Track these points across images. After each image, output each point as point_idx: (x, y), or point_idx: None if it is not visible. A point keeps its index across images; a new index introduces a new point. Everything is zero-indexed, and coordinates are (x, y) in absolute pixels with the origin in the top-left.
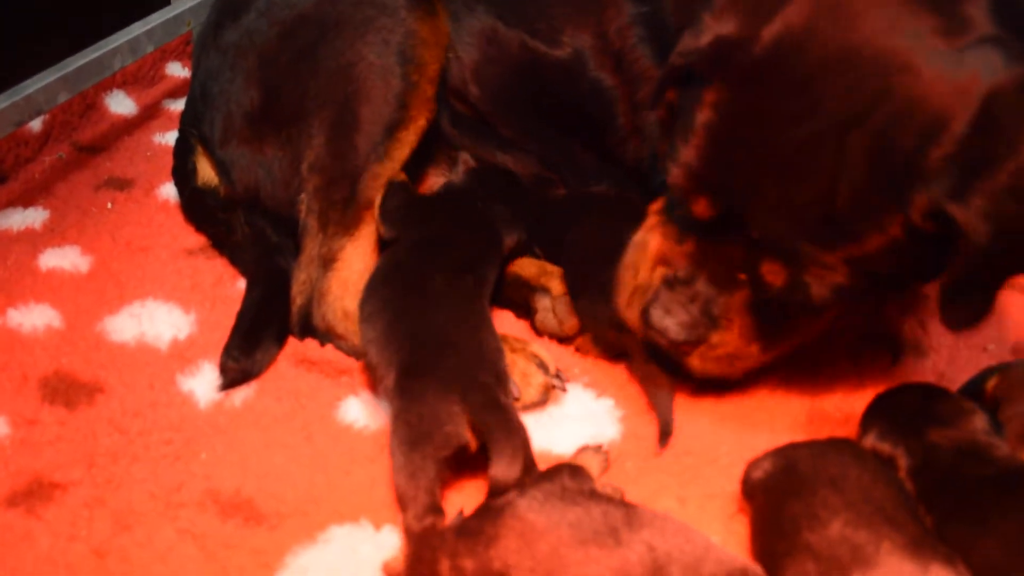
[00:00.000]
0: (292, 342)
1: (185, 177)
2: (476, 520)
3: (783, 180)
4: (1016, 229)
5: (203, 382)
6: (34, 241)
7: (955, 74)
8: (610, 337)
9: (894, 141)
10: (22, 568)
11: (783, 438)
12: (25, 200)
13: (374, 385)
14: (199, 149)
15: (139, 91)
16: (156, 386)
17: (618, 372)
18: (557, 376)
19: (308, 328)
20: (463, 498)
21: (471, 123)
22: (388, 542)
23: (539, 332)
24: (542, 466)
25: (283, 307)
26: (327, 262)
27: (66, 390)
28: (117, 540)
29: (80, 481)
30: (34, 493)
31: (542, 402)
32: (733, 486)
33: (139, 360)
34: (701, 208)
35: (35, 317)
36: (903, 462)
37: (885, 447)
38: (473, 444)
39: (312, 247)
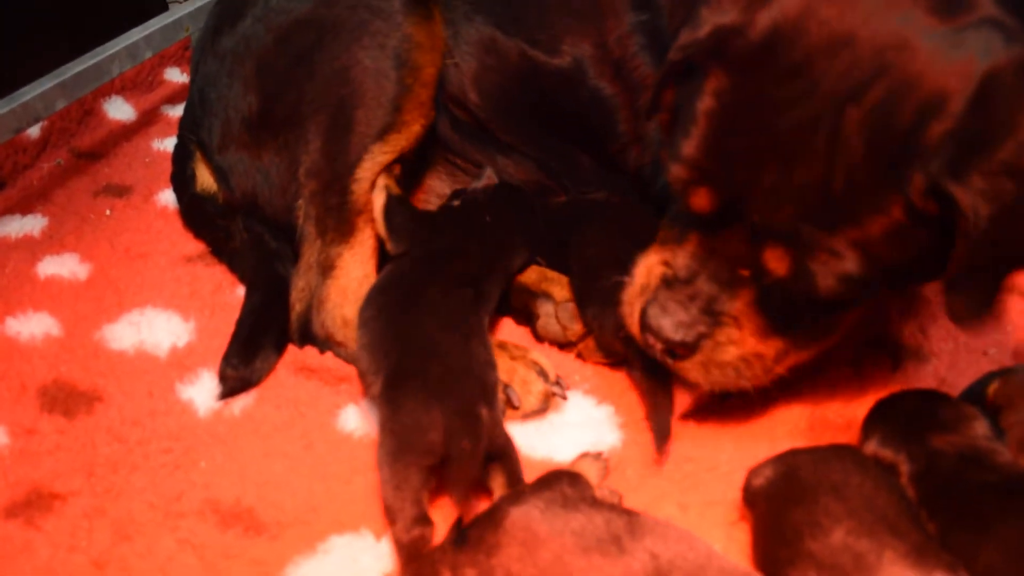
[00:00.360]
0: (291, 350)
1: (184, 183)
2: (477, 529)
3: (782, 162)
4: (1015, 209)
5: (202, 390)
6: (32, 249)
7: (953, 53)
8: (615, 347)
9: (891, 119)
10: None
11: (784, 445)
12: (23, 207)
13: (364, 393)
14: (198, 155)
15: (138, 97)
16: (155, 395)
17: (619, 379)
18: (557, 383)
19: (307, 335)
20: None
21: (471, 129)
22: (389, 552)
23: (540, 338)
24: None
25: (282, 314)
26: (326, 269)
27: (65, 399)
28: (117, 550)
29: (79, 491)
30: (33, 503)
31: (542, 410)
32: (734, 493)
33: (138, 368)
34: (701, 200)
35: (33, 325)
36: (905, 468)
37: (887, 453)
38: None
39: (310, 254)
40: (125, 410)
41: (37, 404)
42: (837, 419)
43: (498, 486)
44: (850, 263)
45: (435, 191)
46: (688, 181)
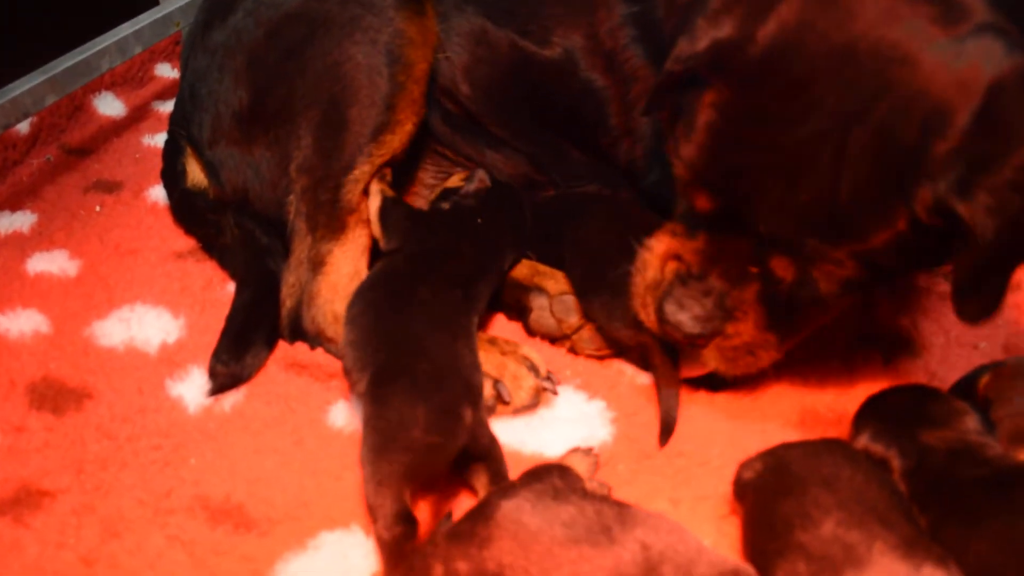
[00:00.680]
0: (282, 345)
1: (174, 179)
2: (468, 523)
3: (787, 179)
4: (1021, 219)
5: (192, 387)
6: (22, 245)
7: (956, 65)
8: (622, 335)
9: (896, 136)
10: None
11: (775, 439)
12: (13, 204)
13: (350, 389)
14: (188, 151)
15: (128, 92)
16: (145, 391)
17: (610, 374)
18: (548, 378)
19: (298, 331)
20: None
21: (461, 122)
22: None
23: (532, 332)
24: None
25: (273, 310)
26: (316, 265)
27: (54, 396)
28: (106, 547)
29: (68, 488)
30: (22, 501)
31: (533, 405)
32: (725, 487)
33: (128, 365)
34: (703, 202)
35: (23, 322)
36: (896, 464)
37: (878, 448)
38: None
39: (301, 250)
40: (115, 407)
41: (26, 401)
42: (828, 413)
43: (482, 486)
44: (852, 271)
45: (425, 183)
46: (690, 184)
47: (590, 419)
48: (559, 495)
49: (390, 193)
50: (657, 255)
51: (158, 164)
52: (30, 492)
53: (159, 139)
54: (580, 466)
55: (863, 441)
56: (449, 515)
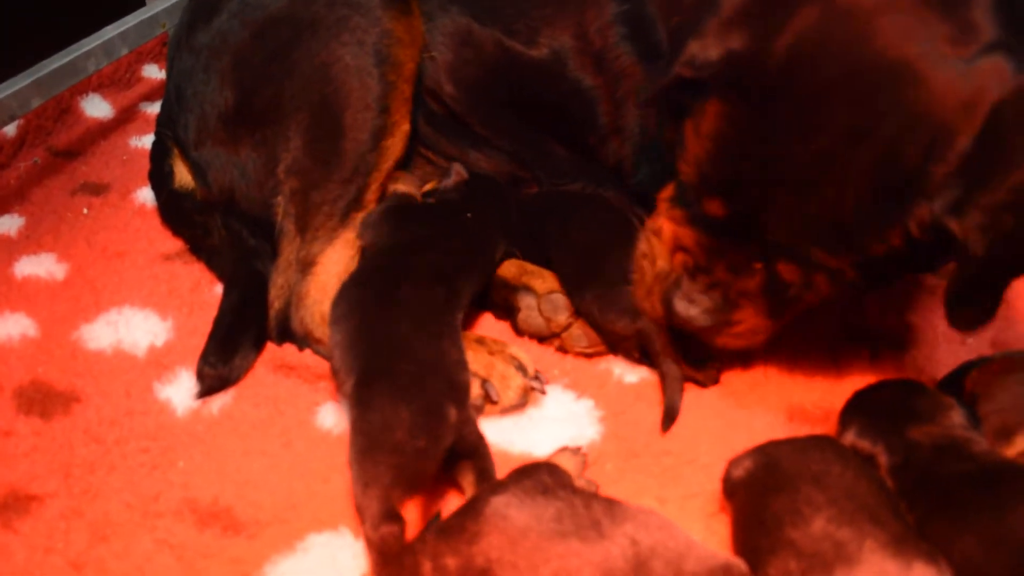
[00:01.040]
0: (270, 347)
1: (161, 180)
2: (457, 519)
3: (794, 192)
4: (1013, 242)
5: (180, 389)
6: (9, 249)
7: (964, 85)
8: (618, 327)
9: (900, 156)
10: None
11: (762, 436)
12: (0, 207)
13: (337, 390)
14: (175, 152)
15: (115, 94)
16: (133, 394)
17: (598, 373)
18: (536, 378)
19: (286, 333)
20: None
21: (445, 121)
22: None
23: (520, 332)
24: None
25: (261, 312)
26: (305, 266)
27: (42, 400)
28: (94, 551)
29: (56, 492)
30: (9, 506)
31: (521, 404)
32: (713, 485)
33: (116, 368)
34: (715, 208)
35: (10, 326)
36: (883, 460)
37: (864, 444)
38: None
39: (290, 251)
40: (103, 410)
41: (13, 405)
42: (815, 410)
43: (468, 484)
44: (851, 277)
45: (406, 186)
46: (701, 190)
47: (578, 418)
48: (548, 491)
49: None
50: (666, 243)
51: (146, 166)
52: (18, 497)
53: (147, 141)
54: (568, 465)
55: (850, 437)
56: (438, 515)
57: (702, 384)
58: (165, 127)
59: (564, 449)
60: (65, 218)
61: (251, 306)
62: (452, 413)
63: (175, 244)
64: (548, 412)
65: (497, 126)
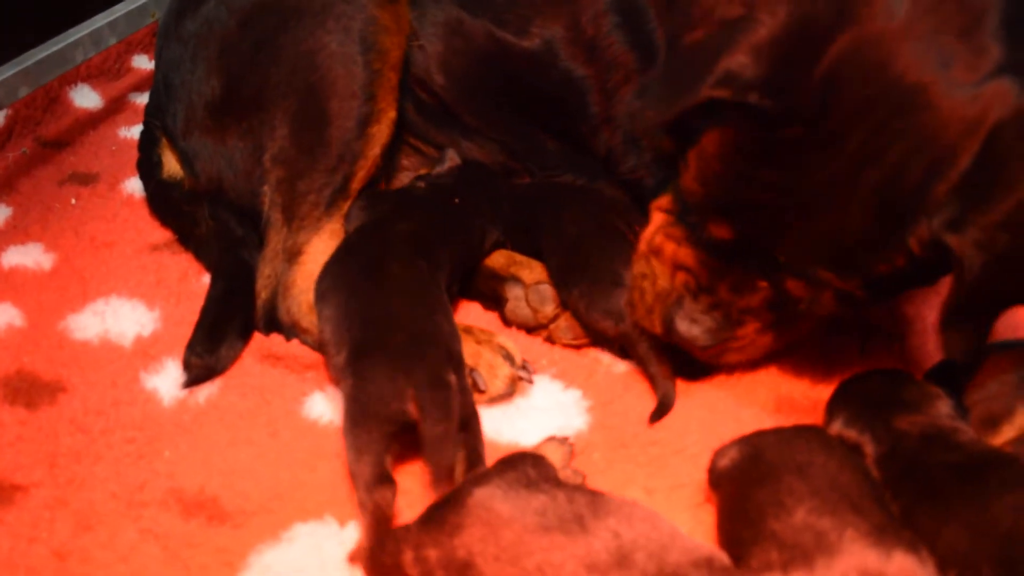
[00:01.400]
0: (257, 337)
1: (150, 170)
2: (440, 510)
3: (804, 215)
4: (1008, 262)
5: (167, 379)
6: None
7: (970, 107)
8: (602, 326)
9: (903, 177)
10: None
11: (750, 426)
12: None
13: (327, 364)
14: (164, 141)
15: (104, 84)
16: (119, 384)
17: (586, 363)
18: (524, 367)
19: (273, 323)
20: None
21: (435, 112)
22: (352, 538)
23: (508, 322)
24: None
25: (248, 302)
26: (292, 255)
27: (28, 390)
28: (78, 541)
29: (41, 482)
30: None
31: (509, 394)
32: (700, 475)
33: (102, 358)
34: (721, 231)
35: None
36: (869, 449)
37: (851, 434)
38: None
39: (276, 241)
40: (89, 400)
41: None
42: (803, 400)
43: (458, 460)
44: (857, 295)
45: (399, 178)
46: (705, 210)
47: (566, 408)
48: (532, 484)
49: None
50: (666, 263)
51: (134, 156)
52: (2, 487)
53: (136, 131)
54: (555, 455)
55: (837, 427)
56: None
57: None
58: (153, 116)
59: (551, 439)
60: (53, 208)
61: (238, 296)
62: (453, 380)
63: (163, 234)
64: (536, 402)
65: (488, 116)
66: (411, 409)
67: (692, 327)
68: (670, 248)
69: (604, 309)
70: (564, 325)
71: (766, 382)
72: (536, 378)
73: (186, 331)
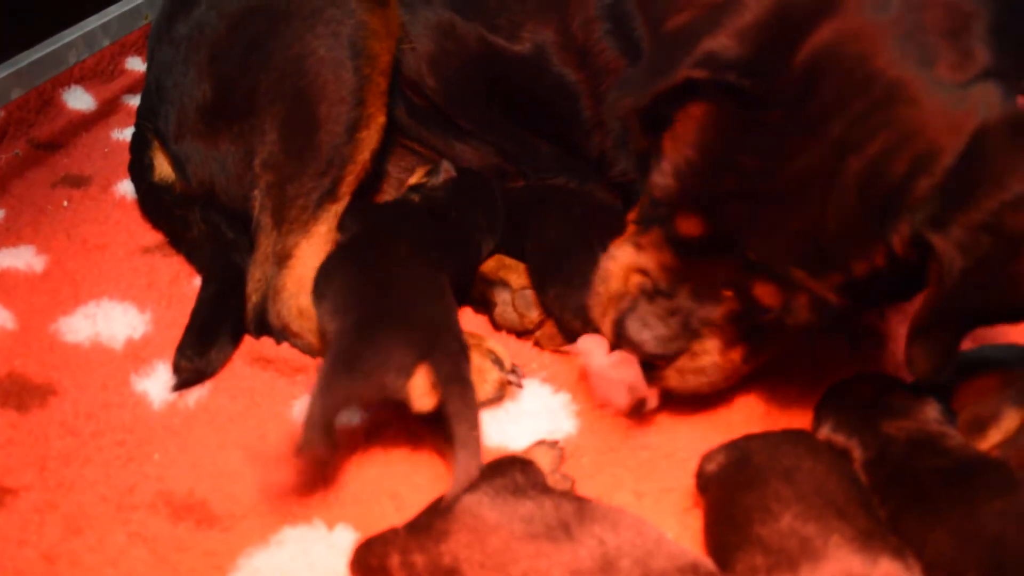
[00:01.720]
0: (247, 340)
1: (142, 172)
2: (427, 516)
3: (779, 207)
4: (988, 265)
5: (157, 382)
6: None
7: (954, 108)
8: (575, 327)
9: (885, 169)
10: None
11: (740, 431)
12: None
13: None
14: (156, 144)
15: (98, 86)
16: (109, 387)
17: (576, 367)
18: (513, 372)
19: (263, 326)
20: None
21: (427, 114)
22: (341, 542)
23: (498, 326)
24: None
25: (238, 305)
26: (282, 259)
27: (18, 392)
28: (67, 544)
29: (31, 485)
30: None
31: (498, 398)
32: (689, 480)
33: (93, 361)
34: (690, 226)
35: None
36: (857, 454)
37: (839, 439)
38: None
39: (266, 244)
40: (79, 403)
41: None
42: (794, 405)
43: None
44: (832, 301)
45: (392, 180)
46: (677, 206)
47: (555, 412)
48: (519, 490)
49: None
50: (621, 266)
51: (127, 158)
52: None
53: (129, 133)
54: (544, 459)
55: (825, 432)
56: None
57: None
58: (145, 119)
59: (541, 443)
60: (45, 210)
61: (229, 299)
62: (466, 368)
63: (155, 237)
64: (525, 406)
65: (480, 120)
66: (407, 387)
67: (643, 331)
68: (629, 251)
69: (575, 309)
70: (551, 332)
71: (756, 386)
72: (526, 382)
73: (177, 334)
